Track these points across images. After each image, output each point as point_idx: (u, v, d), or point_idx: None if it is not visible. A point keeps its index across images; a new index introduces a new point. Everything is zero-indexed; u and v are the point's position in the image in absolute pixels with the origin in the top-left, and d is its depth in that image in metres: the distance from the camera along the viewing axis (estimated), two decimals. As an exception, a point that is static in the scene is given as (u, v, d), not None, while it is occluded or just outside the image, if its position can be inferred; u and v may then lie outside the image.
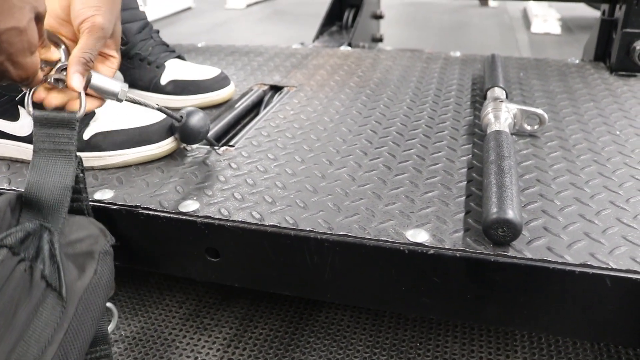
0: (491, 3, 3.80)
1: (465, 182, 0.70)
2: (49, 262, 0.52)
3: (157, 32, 1.03)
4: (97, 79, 0.62)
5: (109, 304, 0.70)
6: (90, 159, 0.77)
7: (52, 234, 0.54)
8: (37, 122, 0.60)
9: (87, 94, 0.62)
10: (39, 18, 0.54)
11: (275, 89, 1.08)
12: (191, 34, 3.15)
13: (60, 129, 0.60)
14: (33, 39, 0.54)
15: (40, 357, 0.48)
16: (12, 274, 0.50)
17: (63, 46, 0.63)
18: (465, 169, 0.73)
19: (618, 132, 0.85)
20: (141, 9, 1.02)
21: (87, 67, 0.61)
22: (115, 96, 0.63)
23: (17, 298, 0.49)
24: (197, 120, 0.77)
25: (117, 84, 0.63)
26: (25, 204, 0.59)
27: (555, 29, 3.05)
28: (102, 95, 0.64)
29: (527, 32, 3.03)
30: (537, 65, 1.21)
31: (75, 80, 0.60)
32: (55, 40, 0.63)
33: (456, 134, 0.84)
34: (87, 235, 0.60)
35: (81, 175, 0.62)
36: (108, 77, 0.63)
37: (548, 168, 0.74)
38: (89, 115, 0.78)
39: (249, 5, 4.03)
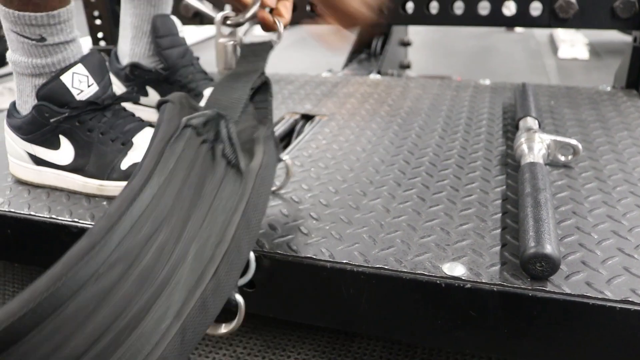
0: (517, 28, 3.80)
1: (500, 214, 0.69)
2: (227, 143, 0.59)
3: (197, 59, 1.06)
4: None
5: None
6: (128, 188, 0.79)
7: (228, 121, 0.61)
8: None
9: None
10: None
11: (307, 117, 1.09)
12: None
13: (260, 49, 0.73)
14: None
15: (227, 224, 0.53)
16: (197, 152, 0.57)
17: None
18: (500, 201, 0.73)
19: (654, 163, 0.84)
20: (181, 35, 1.05)
21: None
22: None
23: (204, 173, 0.56)
24: None
25: None
26: (210, 96, 0.66)
27: (583, 54, 3.03)
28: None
29: (555, 58, 3.02)
30: (568, 93, 1.20)
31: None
32: None
33: (489, 164, 0.84)
34: (249, 125, 0.66)
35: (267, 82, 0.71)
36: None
37: (584, 200, 0.73)
38: (127, 145, 0.80)
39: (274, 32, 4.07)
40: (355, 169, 0.83)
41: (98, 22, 1.59)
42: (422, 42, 2.85)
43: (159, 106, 0.61)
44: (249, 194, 0.57)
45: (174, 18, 1.03)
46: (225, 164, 0.58)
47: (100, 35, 1.61)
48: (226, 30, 0.75)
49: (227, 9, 0.76)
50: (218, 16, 0.73)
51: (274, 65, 3.19)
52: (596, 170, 0.82)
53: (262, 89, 0.70)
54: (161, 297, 0.46)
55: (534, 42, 3.35)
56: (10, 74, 2.99)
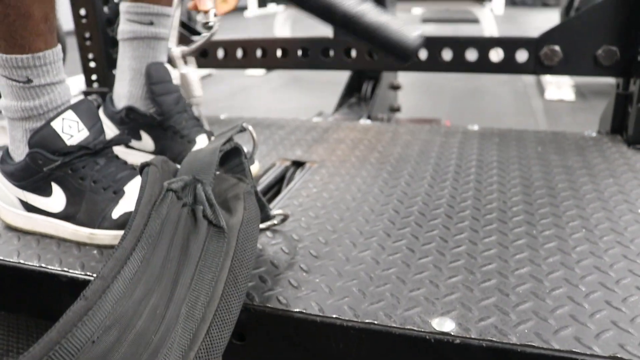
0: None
1: (489, 266, 0.70)
2: (206, 204, 0.62)
3: (190, 105, 1.07)
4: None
5: None
6: (119, 237, 0.79)
7: (205, 184, 0.64)
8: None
9: None
10: None
11: (298, 164, 1.10)
12: (212, 100, 3.23)
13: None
14: None
15: (216, 281, 0.55)
16: (180, 214, 0.60)
17: None
18: (489, 251, 0.73)
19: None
20: (174, 82, 1.06)
21: None
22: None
23: (188, 234, 0.59)
24: None
25: None
26: (183, 164, 0.70)
27: (569, 95, 3.09)
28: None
29: (542, 99, 3.07)
30: (554, 138, 1.22)
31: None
32: None
33: (477, 214, 0.85)
34: (229, 185, 0.69)
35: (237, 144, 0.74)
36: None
37: (571, 250, 0.74)
38: (119, 194, 0.81)
39: (267, 72, 4.14)
40: (345, 218, 0.84)
41: (92, 64, 1.61)
42: (411, 83, 2.89)
43: (141, 169, 0.64)
44: (234, 251, 0.58)
45: (168, 65, 1.05)
46: (207, 224, 0.60)
47: (94, 77, 1.62)
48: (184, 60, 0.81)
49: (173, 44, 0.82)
50: (177, 52, 0.79)
51: (266, 106, 3.22)
52: (583, 219, 0.83)
53: (234, 153, 0.73)
54: None
55: (521, 84, 3.41)
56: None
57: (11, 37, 0.76)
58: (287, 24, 4.12)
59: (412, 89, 3.11)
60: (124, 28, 1.05)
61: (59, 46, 0.81)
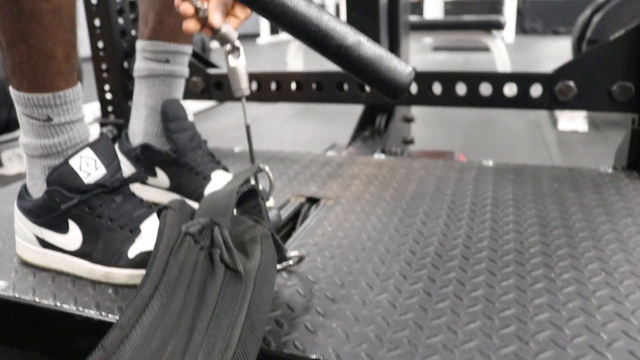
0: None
1: (507, 311, 0.69)
2: (223, 248, 0.62)
3: (205, 142, 1.08)
4: (226, 28, 0.78)
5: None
6: (134, 276, 0.79)
7: (222, 227, 0.64)
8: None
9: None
10: None
11: (312, 200, 1.10)
12: (225, 129, 3.25)
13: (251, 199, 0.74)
14: None
15: (232, 327, 0.55)
16: (197, 258, 0.60)
17: None
18: (507, 296, 0.73)
19: (660, 255, 0.84)
20: (189, 119, 1.07)
21: (225, 8, 0.77)
22: (233, 45, 0.80)
23: (205, 279, 0.59)
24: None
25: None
26: (200, 206, 0.70)
27: (582, 126, 3.07)
28: (223, 43, 0.80)
29: (555, 130, 3.06)
30: (570, 175, 1.21)
31: (217, 18, 0.76)
32: None
33: (494, 255, 0.84)
34: (246, 227, 0.69)
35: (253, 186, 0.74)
36: (235, 28, 0.80)
37: (591, 295, 0.73)
38: (135, 233, 0.81)
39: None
40: (361, 259, 0.83)
41: (109, 96, 1.63)
42: (423, 114, 2.90)
43: (159, 213, 0.64)
44: (251, 296, 0.58)
45: (183, 102, 1.06)
46: (224, 268, 0.60)
47: (110, 108, 1.64)
48: (232, 57, 0.85)
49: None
50: (227, 48, 0.81)
51: (279, 136, 3.23)
52: (602, 261, 0.82)
53: (251, 195, 0.73)
54: None
55: (534, 114, 3.40)
56: (17, 138, 3.04)
57: (34, 76, 0.77)
58: (299, 52, 4.16)
59: (424, 120, 3.12)
60: (140, 65, 1.06)
61: (79, 85, 0.83)
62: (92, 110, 3.63)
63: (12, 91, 0.80)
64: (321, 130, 3.27)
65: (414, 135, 1.94)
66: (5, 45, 0.76)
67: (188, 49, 1.08)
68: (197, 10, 0.76)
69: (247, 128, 0.92)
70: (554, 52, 6.90)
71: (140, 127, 1.06)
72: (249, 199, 0.73)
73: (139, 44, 1.06)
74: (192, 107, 1.09)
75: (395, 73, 0.64)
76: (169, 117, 1.02)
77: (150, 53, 1.05)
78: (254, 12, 0.71)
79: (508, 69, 3.62)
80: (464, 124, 3.30)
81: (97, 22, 1.55)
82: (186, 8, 0.76)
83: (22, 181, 0.89)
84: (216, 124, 3.44)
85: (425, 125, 3.14)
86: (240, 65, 0.86)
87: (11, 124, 2.89)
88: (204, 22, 0.77)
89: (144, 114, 1.05)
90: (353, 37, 0.65)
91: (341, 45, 0.64)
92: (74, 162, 0.80)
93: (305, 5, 0.64)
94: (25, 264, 0.87)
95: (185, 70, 1.08)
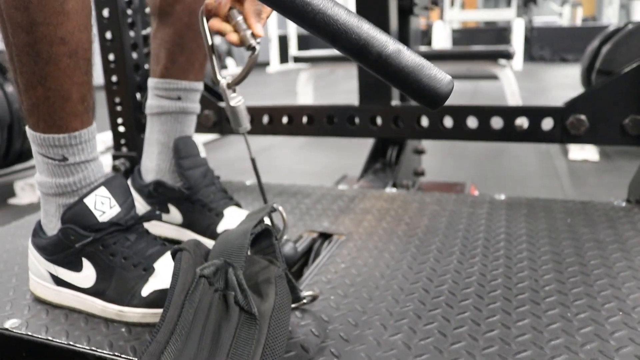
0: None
1: (524, 353, 0.68)
2: (238, 290, 0.62)
3: (218, 177, 1.08)
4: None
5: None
6: (148, 315, 0.79)
7: (236, 269, 0.64)
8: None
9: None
10: None
11: (325, 236, 1.10)
12: (235, 160, 3.27)
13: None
14: None
15: None
16: (212, 301, 0.61)
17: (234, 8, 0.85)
18: (523, 337, 0.72)
19: (678, 294, 0.83)
20: (202, 155, 1.08)
21: (259, 16, 0.84)
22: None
23: (219, 321, 0.60)
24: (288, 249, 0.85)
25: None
26: (214, 247, 0.71)
27: (593, 155, 3.07)
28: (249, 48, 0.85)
29: (565, 159, 3.06)
30: (583, 209, 1.21)
31: (259, 28, 0.84)
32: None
33: (509, 294, 0.83)
34: (260, 267, 0.70)
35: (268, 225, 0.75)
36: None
37: (609, 337, 0.72)
38: (149, 271, 0.81)
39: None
40: (375, 298, 0.83)
41: (121, 128, 1.64)
42: (434, 145, 2.91)
43: (174, 254, 0.65)
44: (265, 338, 0.59)
45: (195, 139, 1.07)
46: (239, 310, 0.61)
47: (122, 141, 1.66)
48: (231, 93, 0.88)
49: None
50: (223, 83, 0.84)
51: (290, 167, 3.23)
52: (619, 300, 0.81)
53: (265, 235, 0.74)
54: None
55: (544, 144, 3.40)
56: (31, 167, 3.07)
57: (50, 117, 0.78)
58: (310, 82, 4.19)
59: (435, 151, 3.12)
60: (152, 103, 1.07)
61: (94, 125, 0.84)
62: (104, 139, 3.68)
63: (29, 131, 0.81)
64: (332, 159, 3.28)
65: (424, 167, 1.94)
66: (23, 88, 0.78)
67: (200, 85, 1.09)
68: (235, 24, 0.84)
69: (253, 161, 0.93)
70: (563, 80, 6.92)
71: (153, 164, 1.07)
72: (263, 238, 0.73)
73: (151, 82, 1.08)
74: (201, 137, 1.10)
75: (436, 81, 0.63)
76: (182, 154, 1.03)
77: (162, 91, 1.06)
78: (294, 22, 0.73)
79: (518, 98, 3.63)
80: (474, 154, 3.30)
81: (111, 57, 1.57)
82: (225, 27, 0.85)
83: (35, 213, 0.90)
84: (226, 154, 3.46)
85: (436, 155, 3.15)
86: (240, 103, 0.88)
87: (25, 154, 2.93)
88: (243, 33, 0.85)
89: (156, 151, 1.06)
90: (393, 45, 0.63)
91: (381, 53, 0.63)
92: (88, 201, 0.80)
93: (345, 14, 0.63)
94: (39, 300, 0.87)
95: (197, 107, 1.09)
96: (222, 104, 1.64)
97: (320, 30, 0.65)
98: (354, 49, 0.64)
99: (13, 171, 3.20)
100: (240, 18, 0.85)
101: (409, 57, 0.64)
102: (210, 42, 0.88)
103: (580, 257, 0.95)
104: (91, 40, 0.80)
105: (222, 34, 0.87)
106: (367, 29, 0.64)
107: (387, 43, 0.64)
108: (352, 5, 1.59)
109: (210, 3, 0.87)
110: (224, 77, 0.88)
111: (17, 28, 0.73)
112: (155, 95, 1.07)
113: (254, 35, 0.85)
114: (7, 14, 0.73)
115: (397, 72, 0.64)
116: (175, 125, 1.07)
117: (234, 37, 0.85)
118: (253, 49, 0.84)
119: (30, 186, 2.83)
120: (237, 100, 0.88)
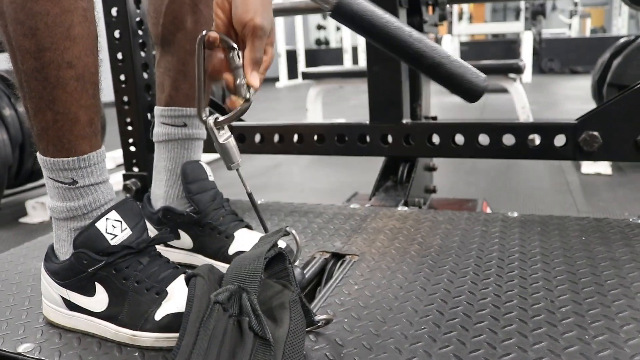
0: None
1: (542, 378, 0.67)
2: (252, 315, 0.62)
3: (227, 200, 1.08)
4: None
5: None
6: (161, 339, 0.78)
7: (250, 294, 0.64)
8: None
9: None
10: None
11: (337, 256, 1.09)
12: (246, 177, 3.27)
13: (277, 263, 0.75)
14: None
15: None
16: (226, 327, 0.61)
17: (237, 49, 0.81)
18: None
19: (697, 314, 0.81)
20: (210, 179, 1.08)
21: (258, 66, 0.79)
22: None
23: (234, 347, 0.60)
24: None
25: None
26: (228, 271, 0.70)
27: (606, 169, 3.04)
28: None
29: (577, 174, 3.04)
30: (598, 226, 1.19)
31: (255, 79, 0.80)
32: (230, 45, 0.81)
33: (525, 315, 0.82)
34: (274, 292, 0.70)
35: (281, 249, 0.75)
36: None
37: (628, 360, 0.71)
38: (162, 295, 0.80)
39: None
40: (389, 320, 0.82)
41: (132, 148, 1.65)
42: (445, 161, 2.90)
43: (188, 280, 0.65)
44: None
45: (203, 163, 1.07)
46: (253, 335, 0.61)
47: (134, 161, 1.67)
48: (220, 130, 0.85)
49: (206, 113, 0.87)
50: (210, 121, 0.82)
51: (300, 184, 3.23)
52: (637, 321, 0.80)
53: (279, 259, 0.74)
54: None
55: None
56: (42, 186, 3.09)
57: (59, 141, 0.79)
58: (319, 98, 4.20)
59: (446, 167, 3.11)
60: (159, 131, 1.08)
61: (103, 147, 0.84)
62: (114, 157, 3.70)
63: (39, 156, 0.82)
64: (341, 176, 3.28)
65: (436, 183, 1.93)
66: (32, 113, 0.78)
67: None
68: (234, 69, 0.81)
69: (250, 196, 0.91)
70: (573, 92, 6.90)
71: (162, 191, 1.07)
72: (276, 262, 0.73)
73: (157, 110, 1.09)
74: (208, 156, 1.10)
75: (479, 80, 0.80)
76: (189, 178, 1.03)
77: (167, 118, 1.07)
78: (366, 38, 0.85)
79: (528, 112, 3.62)
80: (485, 169, 3.29)
81: (122, 77, 1.59)
82: (223, 66, 0.82)
83: (46, 234, 0.90)
84: (231, 173, 3.46)
85: (447, 171, 3.14)
86: (229, 140, 0.86)
87: (36, 173, 2.95)
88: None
89: (164, 178, 1.07)
90: (444, 53, 0.80)
91: (433, 60, 0.80)
92: (100, 225, 0.81)
93: (407, 33, 0.81)
94: (52, 325, 0.87)
95: (203, 133, 1.10)
96: (232, 124, 1.64)
97: (388, 44, 0.81)
98: (411, 57, 0.81)
99: (24, 189, 3.22)
100: (240, 62, 0.80)
101: (454, 62, 0.79)
102: (202, 74, 0.84)
103: (596, 277, 0.94)
104: (98, 65, 0.81)
105: (218, 70, 0.83)
106: (419, 41, 0.80)
107: (437, 50, 0.80)
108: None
109: (213, 36, 0.81)
110: (212, 114, 0.85)
111: (25, 54, 0.75)
112: (161, 123, 1.08)
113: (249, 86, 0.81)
114: (16, 42, 0.75)
115: (447, 77, 0.79)
116: (182, 151, 1.07)
117: (229, 79, 0.82)
118: (247, 100, 0.81)
119: (42, 205, 2.85)
120: (226, 137, 0.86)
